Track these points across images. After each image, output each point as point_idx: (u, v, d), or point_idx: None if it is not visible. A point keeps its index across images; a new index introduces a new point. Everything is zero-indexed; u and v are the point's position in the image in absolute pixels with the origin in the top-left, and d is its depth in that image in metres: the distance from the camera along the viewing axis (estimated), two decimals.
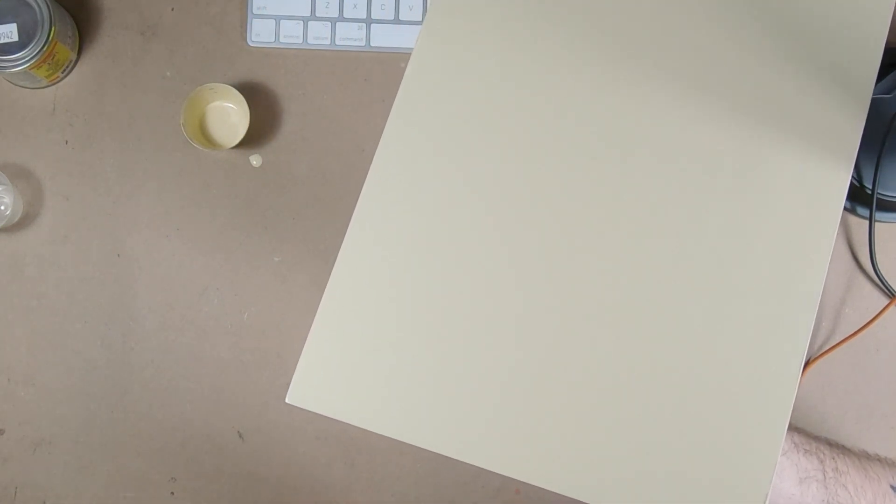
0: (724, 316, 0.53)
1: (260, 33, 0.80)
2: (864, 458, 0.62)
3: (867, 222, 0.76)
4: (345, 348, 0.54)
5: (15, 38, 0.73)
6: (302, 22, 0.80)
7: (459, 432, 0.53)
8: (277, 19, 0.80)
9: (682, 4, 0.57)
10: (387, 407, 0.53)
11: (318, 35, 0.80)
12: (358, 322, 0.54)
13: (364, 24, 0.79)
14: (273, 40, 0.80)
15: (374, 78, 0.80)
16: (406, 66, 0.57)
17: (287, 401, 0.53)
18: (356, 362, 0.54)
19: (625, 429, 0.52)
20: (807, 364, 0.77)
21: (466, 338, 0.54)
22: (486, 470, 0.53)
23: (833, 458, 0.60)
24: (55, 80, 0.79)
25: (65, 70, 0.79)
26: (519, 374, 0.53)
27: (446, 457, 0.53)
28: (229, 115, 0.80)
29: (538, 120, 0.56)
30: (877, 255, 0.76)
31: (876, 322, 0.74)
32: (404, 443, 0.53)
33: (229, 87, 0.77)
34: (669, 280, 0.54)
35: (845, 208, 0.78)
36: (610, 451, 0.52)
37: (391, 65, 0.80)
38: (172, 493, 0.78)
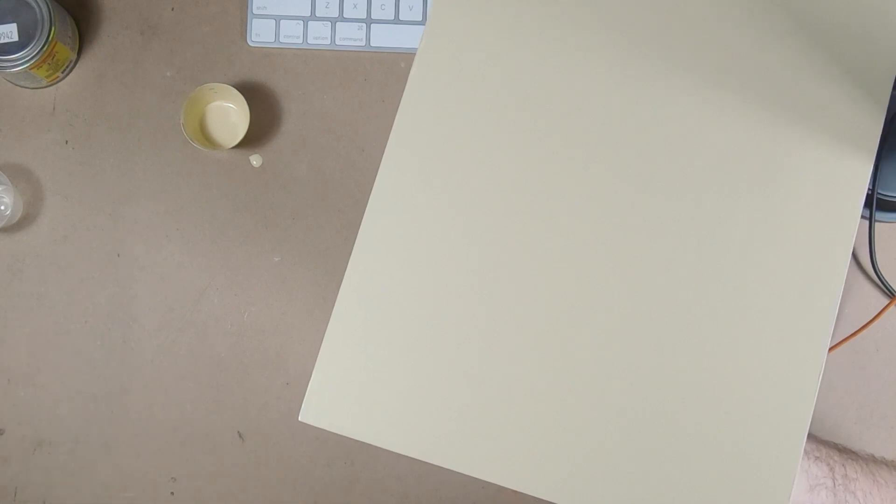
0: (742, 321, 0.52)
1: (260, 33, 0.80)
2: (871, 462, 0.62)
3: (867, 222, 0.75)
4: (356, 365, 0.53)
5: (15, 38, 0.73)
6: (302, 22, 0.80)
7: (476, 449, 0.52)
8: (277, 19, 0.80)
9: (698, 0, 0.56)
10: (400, 424, 0.52)
11: (318, 35, 0.80)
12: (368, 338, 0.53)
13: (364, 24, 0.79)
14: (273, 40, 0.80)
15: (374, 78, 0.80)
16: (406, 66, 0.56)
17: (300, 419, 0.52)
18: (368, 379, 0.53)
19: (643, 443, 0.52)
20: None
21: (479, 352, 0.53)
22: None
23: (842, 465, 0.60)
24: (55, 80, 0.79)
25: (65, 70, 0.79)
26: (533, 387, 0.52)
27: None
28: (229, 115, 0.80)
29: (547, 122, 0.55)
30: (877, 255, 0.76)
31: (876, 322, 0.74)
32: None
33: (229, 87, 0.77)
34: (689, 286, 0.53)
35: None
36: (628, 466, 0.52)
37: (391, 65, 0.80)
38: (172, 493, 0.78)
